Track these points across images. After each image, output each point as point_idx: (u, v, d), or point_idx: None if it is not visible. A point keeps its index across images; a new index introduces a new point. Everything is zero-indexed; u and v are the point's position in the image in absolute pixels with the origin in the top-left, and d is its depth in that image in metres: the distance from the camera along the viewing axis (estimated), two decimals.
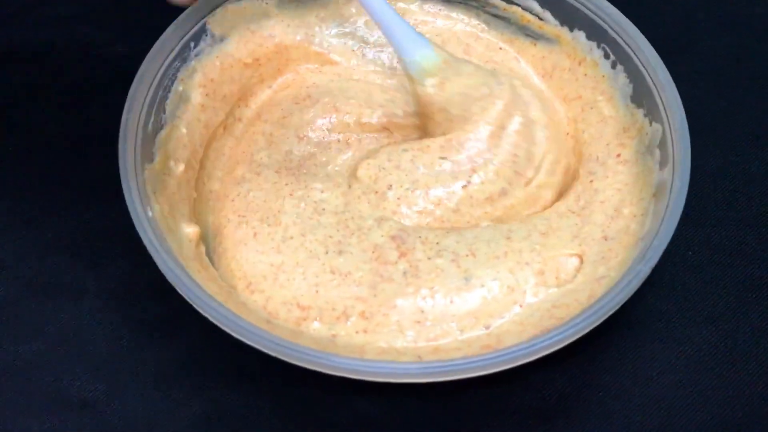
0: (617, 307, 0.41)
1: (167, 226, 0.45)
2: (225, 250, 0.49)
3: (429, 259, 0.47)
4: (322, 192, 0.50)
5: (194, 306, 0.41)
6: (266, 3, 0.55)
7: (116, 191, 0.45)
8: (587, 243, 0.47)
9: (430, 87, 0.50)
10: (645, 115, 0.49)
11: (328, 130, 0.54)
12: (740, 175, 0.55)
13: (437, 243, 0.48)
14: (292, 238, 0.49)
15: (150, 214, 0.44)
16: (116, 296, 0.50)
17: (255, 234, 0.49)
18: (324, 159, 0.53)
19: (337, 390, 0.46)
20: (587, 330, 0.41)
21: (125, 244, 0.48)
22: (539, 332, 0.43)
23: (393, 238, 0.48)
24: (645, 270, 0.41)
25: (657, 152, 0.48)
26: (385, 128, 0.54)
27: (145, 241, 0.43)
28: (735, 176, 0.55)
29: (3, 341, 0.48)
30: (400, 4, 0.57)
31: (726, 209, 0.53)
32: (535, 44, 0.55)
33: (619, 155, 0.51)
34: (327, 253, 0.48)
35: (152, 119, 0.49)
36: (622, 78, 0.51)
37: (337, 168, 0.52)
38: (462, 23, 0.57)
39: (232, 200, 0.51)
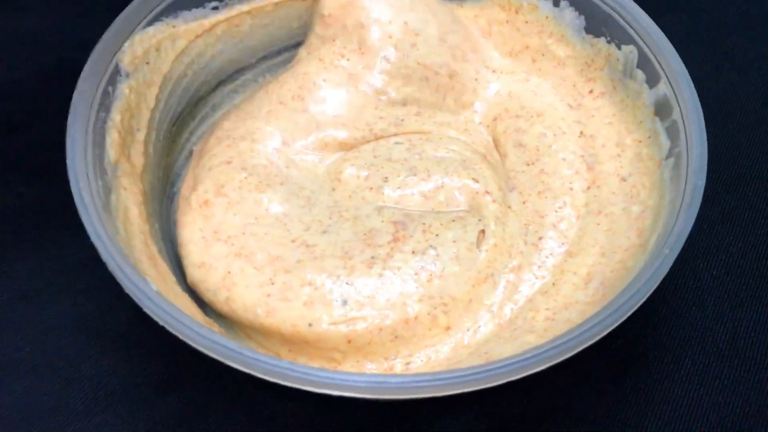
0: (690, 226, 0.38)
1: (170, 295, 0.38)
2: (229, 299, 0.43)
3: (413, 253, 0.43)
4: (283, 203, 0.45)
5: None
6: (173, 27, 0.47)
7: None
8: (604, 195, 0.45)
9: None
10: (609, 42, 0.48)
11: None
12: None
13: (437, 235, 0.44)
14: (278, 258, 0.43)
15: (155, 288, 0.36)
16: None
17: (244, 270, 0.43)
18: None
19: None
20: (669, 266, 0.38)
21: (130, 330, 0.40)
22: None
23: (394, 223, 0.44)
24: (700, 184, 0.40)
25: (639, 73, 0.46)
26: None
27: (167, 321, 0.35)
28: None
29: None
30: None
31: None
32: (461, 5, 0.52)
33: (591, 91, 0.49)
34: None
35: (99, 185, 0.40)
36: (569, 13, 0.49)
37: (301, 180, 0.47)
38: None
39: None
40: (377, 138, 0.49)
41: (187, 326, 0.34)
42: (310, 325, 0.41)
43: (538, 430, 0.42)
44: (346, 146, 0.48)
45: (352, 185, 0.46)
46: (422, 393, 0.33)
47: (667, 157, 0.44)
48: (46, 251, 0.47)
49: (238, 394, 0.43)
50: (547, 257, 0.44)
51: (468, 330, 0.43)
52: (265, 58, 0.54)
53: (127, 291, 0.36)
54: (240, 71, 0.53)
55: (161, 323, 0.35)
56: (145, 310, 0.35)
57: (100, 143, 0.42)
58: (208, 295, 0.43)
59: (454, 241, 0.44)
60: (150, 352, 0.44)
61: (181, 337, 0.34)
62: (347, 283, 0.42)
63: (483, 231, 0.44)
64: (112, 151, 0.42)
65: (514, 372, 0.35)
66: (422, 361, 0.42)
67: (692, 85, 0.43)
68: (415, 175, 0.46)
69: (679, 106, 0.43)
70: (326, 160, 0.48)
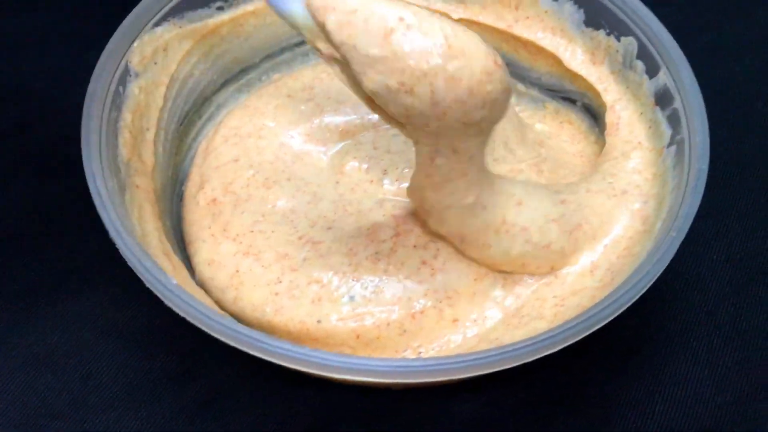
0: (696, 209, 0.40)
1: (189, 289, 0.39)
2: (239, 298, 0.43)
3: (414, 247, 0.44)
4: (290, 199, 0.46)
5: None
6: (179, 27, 0.48)
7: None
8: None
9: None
10: (608, 34, 0.49)
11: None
12: None
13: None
14: (286, 256, 0.44)
15: (174, 282, 0.37)
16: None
17: (252, 269, 0.44)
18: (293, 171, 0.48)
19: None
20: (677, 246, 0.39)
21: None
22: None
23: (395, 216, 0.45)
24: (704, 168, 0.41)
25: (639, 63, 0.47)
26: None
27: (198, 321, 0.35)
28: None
29: None
30: None
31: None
32: (464, 4, 0.53)
33: None
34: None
35: (114, 183, 0.41)
36: (568, 7, 0.50)
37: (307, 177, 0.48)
38: None
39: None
40: (375, 126, 0.49)
41: (210, 318, 0.35)
42: (318, 321, 0.42)
43: (548, 414, 0.43)
44: (346, 135, 0.49)
45: (354, 178, 0.47)
46: (446, 375, 0.34)
47: (669, 145, 0.45)
48: (61, 248, 0.48)
49: (253, 382, 0.43)
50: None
51: (476, 321, 0.43)
52: (268, 57, 0.54)
53: (148, 285, 0.36)
54: (244, 71, 0.54)
55: (183, 315, 0.35)
56: (167, 303, 0.36)
57: (112, 142, 0.42)
58: (215, 294, 0.44)
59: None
60: (165, 345, 0.44)
61: (205, 329, 0.35)
62: (353, 279, 0.42)
63: None
64: (124, 150, 0.43)
65: (530, 353, 0.36)
66: (434, 351, 0.43)
67: (692, 73, 0.44)
68: (412, 168, 0.47)
69: (680, 94, 0.44)
70: (329, 151, 0.49)
